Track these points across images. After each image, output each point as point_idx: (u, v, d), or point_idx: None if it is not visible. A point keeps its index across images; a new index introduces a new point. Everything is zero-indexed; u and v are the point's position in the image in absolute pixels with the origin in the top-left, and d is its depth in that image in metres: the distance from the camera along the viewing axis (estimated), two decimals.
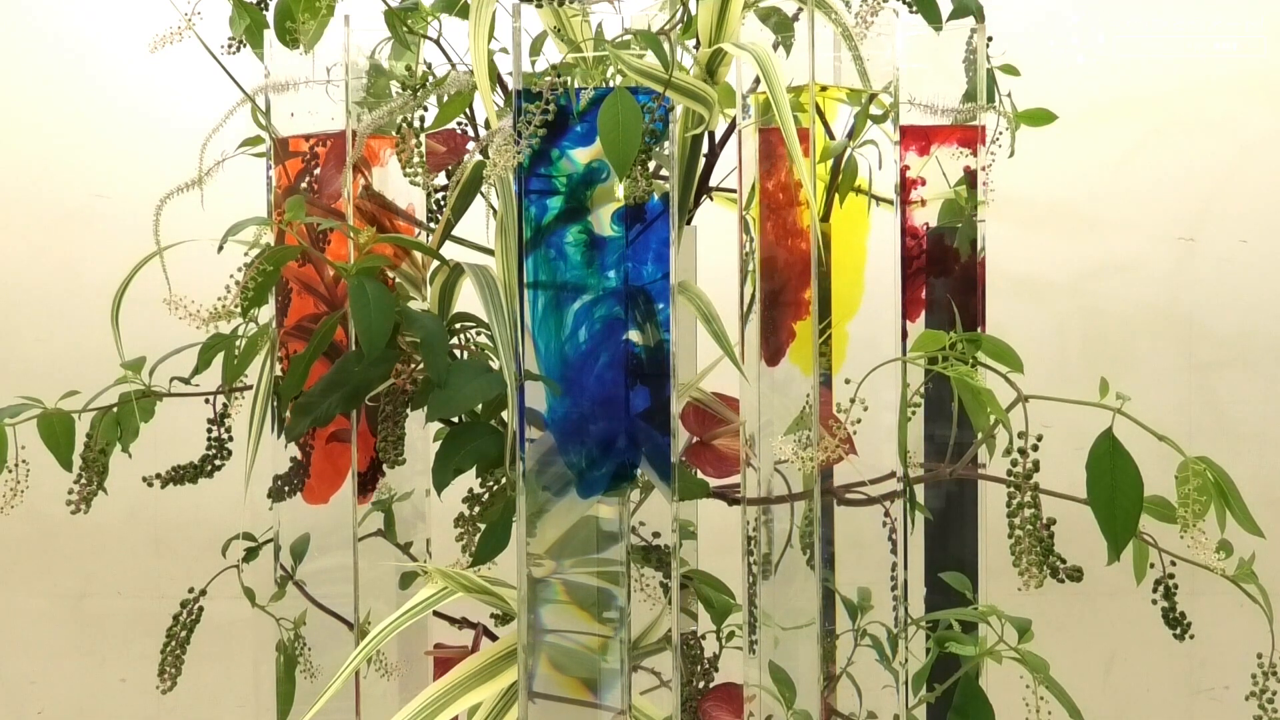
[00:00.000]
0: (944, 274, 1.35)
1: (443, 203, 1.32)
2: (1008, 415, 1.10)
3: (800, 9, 1.16)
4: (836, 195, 1.19)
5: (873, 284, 1.21)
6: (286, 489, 1.32)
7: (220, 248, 1.72)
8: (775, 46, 1.22)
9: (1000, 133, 1.34)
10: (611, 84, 1.11)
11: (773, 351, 1.17)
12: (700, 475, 1.25)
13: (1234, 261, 2.23)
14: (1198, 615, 1.24)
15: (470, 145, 1.33)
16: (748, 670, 1.19)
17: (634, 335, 1.08)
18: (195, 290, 1.76)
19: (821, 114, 1.16)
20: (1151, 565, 1.18)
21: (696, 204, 1.32)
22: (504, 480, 1.21)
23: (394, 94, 1.26)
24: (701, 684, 1.24)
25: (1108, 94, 2.22)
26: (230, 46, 1.34)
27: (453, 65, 1.28)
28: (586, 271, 1.08)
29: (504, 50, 1.18)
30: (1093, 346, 2.24)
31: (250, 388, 1.34)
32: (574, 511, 1.10)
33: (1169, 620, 1.21)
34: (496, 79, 1.20)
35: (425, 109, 1.24)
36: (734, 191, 1.22)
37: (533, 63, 1.31)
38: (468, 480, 1.23)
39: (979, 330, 1.32)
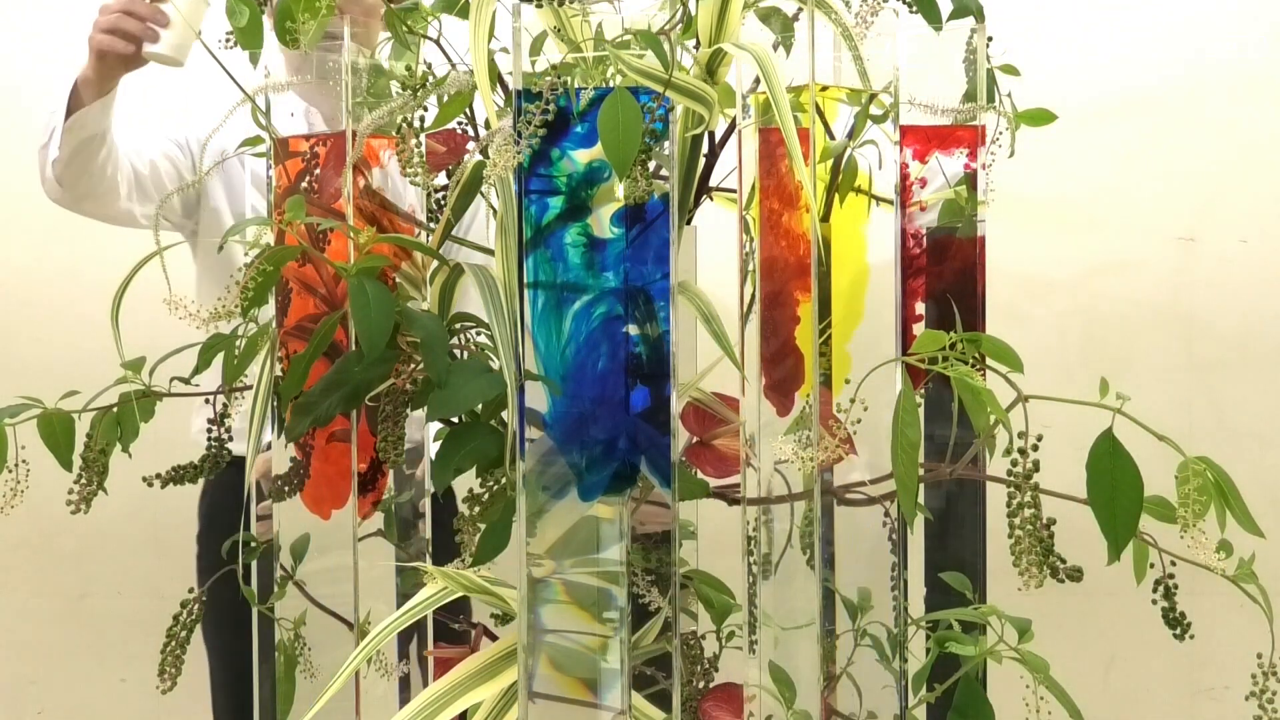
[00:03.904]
0: (944, 274, 1.34)
1: (443, 203, 1.32)
2: (1008, 415, 1.10)
3: (800, 9, 1.16)
4: (836, 195, 1.19)
5: (873, 284, 1.21)
6: (286, 489, 1.32)
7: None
8: (775, 46, 1.22)
9: (1000, 133, 1.34)
10: (611, 84, 1.11)
11: (775, 350, 1.17)
12: (700, 475, 1.25)
13: (1234, 261, 2.23)
14: (1198, 615, 1.24)
15: (470, 145, 1.33)
16: (748, 670, 1.19)
17: (634, 335, 1.08)
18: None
19: (821, 114, 1.16)
20: (1151, 565, 1.18)
21: (696, 204, 1.32)
22: (504, 480, 1.21)
23: (394, 94, 1.26)
24: (701, 684, 1.24)
25: (1108, 94, 2.22)
26: (226, 42, 1.34)
27: (453, 65, 1.28)
28: (586, 271, 1.08)
29: (504, 50, 1.18)
30: (1093, 346, 2.24)
31: (250, 388, 1.34)
32: (574, 512, 1.10)
33: (1169, 620, 1.21)
34: (496, 79, 1.20)
35: (425, 109, 1.24)
36: (734, 191, 1.22)
37: (533, 63, 1.31)
38: (468, 480, 1.23)
39: (979, 330, 1.32)
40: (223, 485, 1.56)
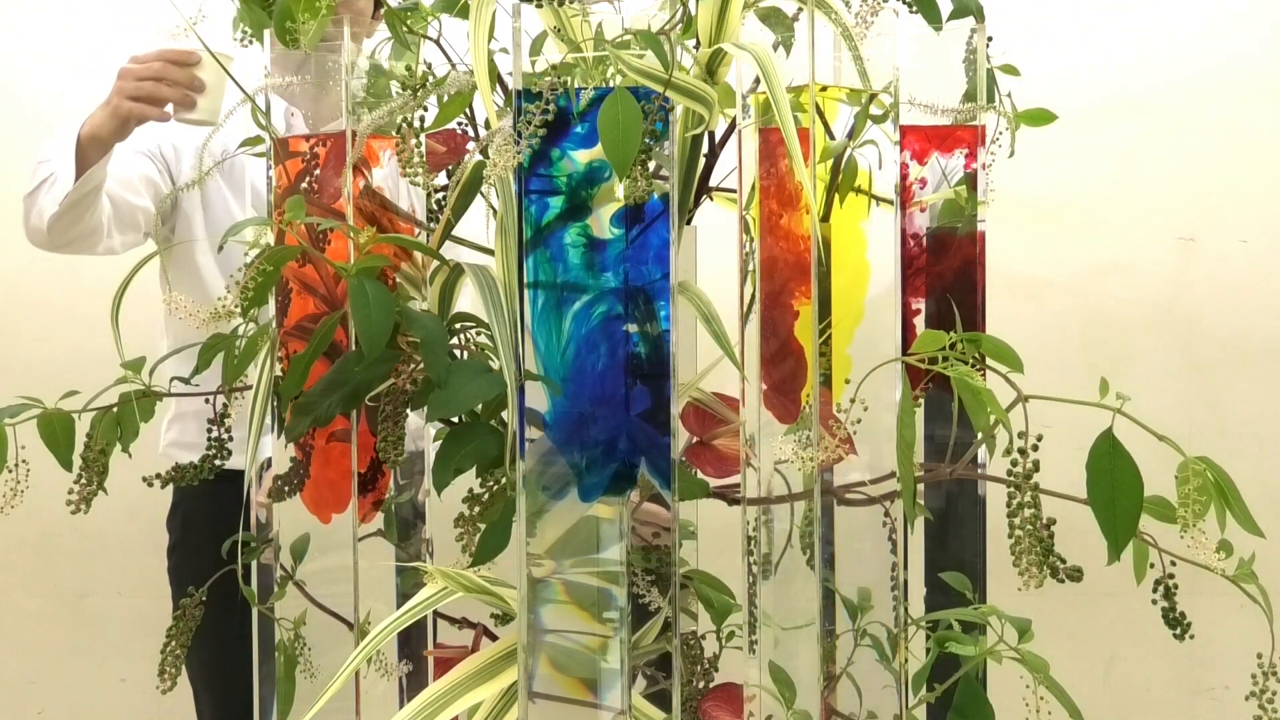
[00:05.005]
0: (944, 274, 1.35)
1: (443, 203, 1.32)
2: (1008, 415, 1.10)
3: (800, 9, 1.16)
4: (836, 195, 1.19)
5: (873, 284, 1.21)
6: (286, 489, 1.32)
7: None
8: (775, 46, 1.22)
9: (1000, 133, 1.34)
10: (611, 84, 1.11)
11: (775, 350, 1.17)
12: (700, 475, 1.25)
13: (1234, 261, 2.23)
14: (1198, 615, 1.24)
15: (470, 145, 1.33)
16: (748, 670, 1.19)
17: (634, 335, 1.08)
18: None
19: (821, 114, 1.16)
20: (1151, 565, 1.18)
21: (696, 204, 1.32)
22: (504, 480, 1.21)
23: (394, 94, 1.26)
24: (701, 684, 1.24)
25: (1108, 94, 2.22)
26: (243, 40, 1.34)
27: (453, 65, 1.28)
28: (586, 271, 1.08)
29: (504, 50, 1.18)
30: (1093, 346, 2.24)
31: (250, 388, 1.34)
32: (574, 512, 1.10)
33: (1169, 620, 1.21)
34: (496, 79, 1.20)
35: (425, 109, 1.25)
36: (734, 191, 1.22)
37: (533, 63, 1.31)
38: (468, 480, 1.23)
39: (979, 330, 1.32)
40: (197, 496, 1.55)
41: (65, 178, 1.63)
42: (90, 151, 1.61)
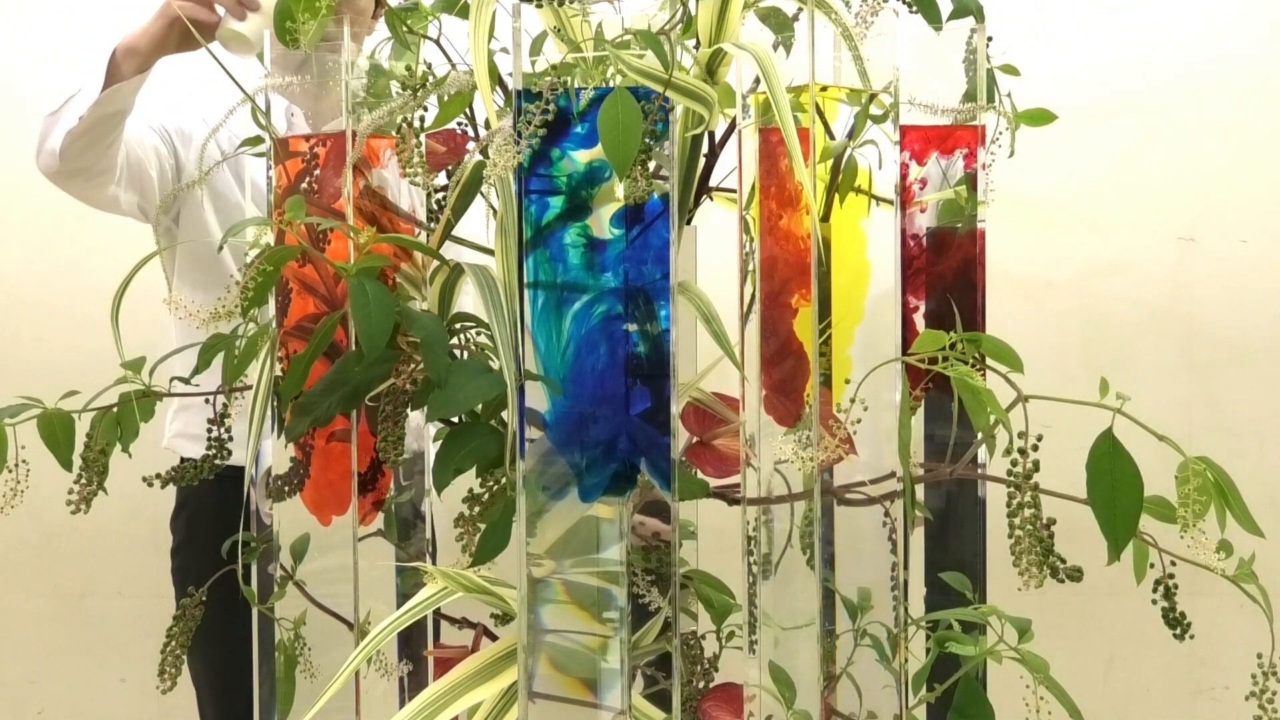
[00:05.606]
0: (944, 274, 1.35)
1: (443, 203, 1.32)
2: (1008, 415, 1.10)
3: (800, 9, 1.16)
4: (836, 195, 1.19)
5: (873, 284, 1.21)
6: (286, 489, 1.32)
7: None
8: (775, 46, 1.22)
9: (1000, 133, 1.34)
10: (611, 84, 1.11)
11: (775, 350, 1.17)
12: (700, 475, 1.25)
13: (1234, 261, 2.23)
14: (1198, 615, 1.24)
15: (470, 145, 1.33)
16: (748, 670, 1.19)
17: (634, 335, 1.08)
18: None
19: (821, 114, 1.16)
20: (1151, 565, 1.18)
21: (696, 204, 1.32)
22: (504, 480, 1.21)
23: (394, 94, 1.26)
24: (701, 684, 1.24)
25: (1108, 94, 2.22)
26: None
27: (453, 65, 1.28)
28: (586, 271, 1.08)
29: (504, 50, 1.18)
30: (1093, 346, 2.24)
31: (250, 388, 1.34)
32: (574, 512, 1.10)
33: (1169, 620, 1.21)
34: (496, 79, 1.20)
35: (425, 109, 1.24)
36: (734, 191, 1.22)
37: (533, 63, 1.31)
38: (468, 480, 1.24)
39: (979, 330, 1.32)
40: (202, 497, 1.55)
41: (92, 91, 1.60)
42: (124, 65, 1.58)
